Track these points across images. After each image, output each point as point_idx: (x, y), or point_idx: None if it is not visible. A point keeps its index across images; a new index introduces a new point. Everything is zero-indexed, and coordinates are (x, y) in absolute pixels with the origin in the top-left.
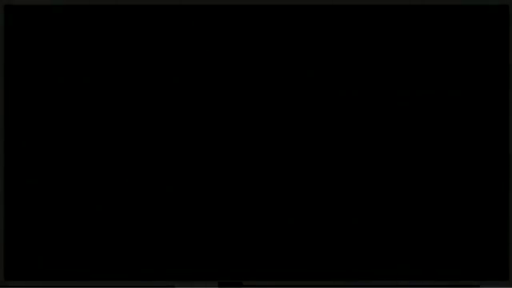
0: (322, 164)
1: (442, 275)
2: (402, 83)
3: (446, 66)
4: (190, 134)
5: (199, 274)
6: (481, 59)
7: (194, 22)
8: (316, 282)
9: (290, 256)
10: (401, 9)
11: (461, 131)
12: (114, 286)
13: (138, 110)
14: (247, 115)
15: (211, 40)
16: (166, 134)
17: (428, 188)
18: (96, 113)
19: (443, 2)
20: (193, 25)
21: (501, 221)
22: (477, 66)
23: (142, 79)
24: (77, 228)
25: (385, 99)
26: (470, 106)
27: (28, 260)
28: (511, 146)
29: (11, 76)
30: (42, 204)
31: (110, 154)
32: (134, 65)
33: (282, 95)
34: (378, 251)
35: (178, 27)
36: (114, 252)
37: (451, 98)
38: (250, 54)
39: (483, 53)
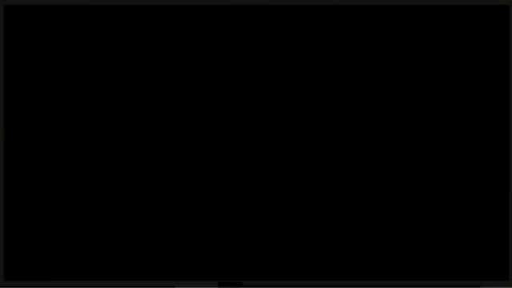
0: (321, 164)
1: (442, 275)
2: (402, 83)
3: (446, 65)
4: (189, 134)
5: (199, 274)
6: (481, 59)
7: (194, 22)
8: (316, 282)
9: (290, 256)
10: (401, 9)
11: (461, 131)
12: (114, 286)
13: (137, 109)
14: (247, 115)
15: (211, 40)
16: (165, 134)
17: (428, 188)
18: (96, 113)
19: (443, 2)
20: (193, 25)
21: (501, 221)
22: (477, 66)
23: (142, 79)
24: (76, 228)
25: (385, 99)
26: (470, 106)
27: (28, 260)
28: (511, 146)
29: (11, 76)
30: (41, 204)
31: (110, 154)
32: (134, 65)
33: (281, 95)
34: (378, 251)
35: (178, 27)
36: (114, 252)
37: (451, 97)
38: (250, 54)
39: (483, 53)
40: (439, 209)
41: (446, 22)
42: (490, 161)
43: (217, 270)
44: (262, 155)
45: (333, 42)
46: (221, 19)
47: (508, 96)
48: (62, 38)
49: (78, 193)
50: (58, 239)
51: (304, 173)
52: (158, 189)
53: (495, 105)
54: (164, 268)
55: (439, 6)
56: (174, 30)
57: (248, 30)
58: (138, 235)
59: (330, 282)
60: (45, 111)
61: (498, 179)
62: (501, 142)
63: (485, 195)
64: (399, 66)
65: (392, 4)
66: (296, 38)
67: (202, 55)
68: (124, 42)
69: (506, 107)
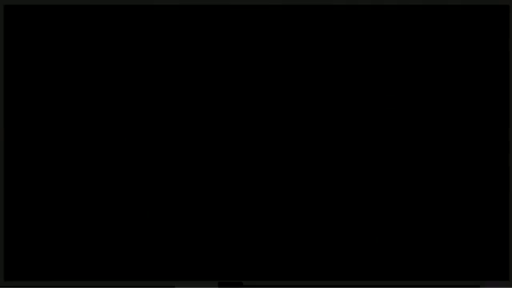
0: (321, 164)
1: (442, 275)
2: (402, 83)
3: (446, 65)
4: (189, 134)
5: (199, 274)
6: (481, 59)
7: (194, 22)
8: (316, 282)
9: (290, 256)
10: (401, 9)
11: (461, 131)
12: (114, 286)
13: (137, 109)
14: (247, 115)
15: (211, 40)
16: (165, 134)
17: (428, 188)
18: (96, 112)
19: (443, 2)
20: (193, 25)
21: (501, 221)
22: (477, 66)
23: (142, 79)
24: (76, 228)
25: (385, 99)
26: (470, 106)
27: (28, 260)
28: (511, 146)
29: (11, 76)
30: (41, 204)
31: (110, 154)
32: (134, 65)
33: (281, 95)
34: (378, 251)
35: (178, 27)
36: (114, 252)
37: (451, 97)
38: (250, 54)
39: (483, 53)
40: (439, 209)
41: (446, 22)
42: (490, 161)
43: (217, 270)
44: (262, 155)
45: (333, 42)
46: (221, 19)
47: (508, 96)
48: (62, 37)
49: (77, 193)
50: (58, 239)
51: (304, 173)
52: (157, 189)
53: (495, 105)
54: (164, 268)
55: (439, 6)
56: (174, 30)
57: (248, 30)
58: (138, 235)
59: (330, 282)
60: (45, 111)
61: (498, 179)
62: (501, 141)
63: (485, 195)
64: (399, 66)
65: (392, 4)
66: (296, 38)
67: (202, 55)
68: (124, 42)
69: (506, 107)
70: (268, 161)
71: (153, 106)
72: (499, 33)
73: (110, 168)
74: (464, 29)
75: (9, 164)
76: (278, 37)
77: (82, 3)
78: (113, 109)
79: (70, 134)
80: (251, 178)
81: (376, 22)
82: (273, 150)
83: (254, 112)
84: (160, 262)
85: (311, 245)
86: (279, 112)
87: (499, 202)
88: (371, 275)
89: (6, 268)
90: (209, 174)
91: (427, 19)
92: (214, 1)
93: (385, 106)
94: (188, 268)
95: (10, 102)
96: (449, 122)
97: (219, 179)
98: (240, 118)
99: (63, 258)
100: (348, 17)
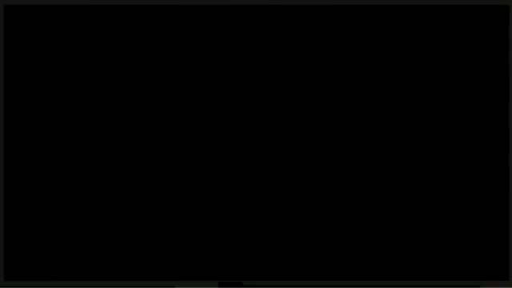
0: (321, 164)
1: (442, 275)
2: (402, 83)
3: (446, 65)
4: (189, 134)
5: (199, 274)
6: (481, 59)
7: (194, 22)
8: (316, 282)
9: (290, 256)
10: (401, 9)
11: (461, 131)
12: (114, 286)
13: (137, 109)
14: (246, 115)
15: (211, 40)
16: (165, 134)
17: (428, 188)
18: (96, 113)
19: (443, 2)
20: (193, 25)
21: (501, 221)
22: (477, 66)
23: (142, 79)
24: (76, 228)
25: (385, 99)
26: (470, 106)
27: (28, 260)
28: (511, 146)
29: (11, 76)
30: (41, 204)
31: (110, 154)
32: (134, 65)
33: (281, 95)
34: (378, 251)
35: (178, 27)
36: (114, 252)
37: (451, 97)
38: (250, 54)
39: (483, 53)
40: (439, 209)
41: (446, 22)
42: (490, 161)
43: (217, 270)
44: (262, 155)
45: (333, 42)
46: (221, 19)
47: (508, 96)
48: (62, 37)
49: (77, 193)
50: (58, 239)
51: (304, 173)
52: (157, 189)
53: (495, 105)
54: (164, 268)
55: (439, 6)
56: (174, 30)
57: (248, 30)
58: (138, 235)
59: (330, 282)
60: (45, 111)
61: (498, 179)
62: (501, 141)
63: (485, 195)
64: (399, 66)
65: (392, 4)
66: (296, 38)
67: (202, 55)
68: (124, 42)
69: (506, 107)
70: (267, 161)
71: (153, 106)
72: (499, 33)
73: (110, 168)
74: (464, 29)
75: (9, 164)
76: (278, 37)
77: (82, 3)
78: (113, 109)
79: (69, 134)
80: (251, 178)
81: (376, 22)
82: (272, 150)
83: (253, 112)
84: (160, 261)
85: (311, 245)
86: (279, 112)
87: (499, 202)
88: (371, 275)
89: (6, 268)
90: (208, 174)
91: (427, 19)
92: (214, 1)
93: (385, 106)
94: (188, 268)
95: (10, 102)
96: (449, 122)
97: (219, 179)
98: (239, 118)
99: (63, 257)
100: (348, 17)
